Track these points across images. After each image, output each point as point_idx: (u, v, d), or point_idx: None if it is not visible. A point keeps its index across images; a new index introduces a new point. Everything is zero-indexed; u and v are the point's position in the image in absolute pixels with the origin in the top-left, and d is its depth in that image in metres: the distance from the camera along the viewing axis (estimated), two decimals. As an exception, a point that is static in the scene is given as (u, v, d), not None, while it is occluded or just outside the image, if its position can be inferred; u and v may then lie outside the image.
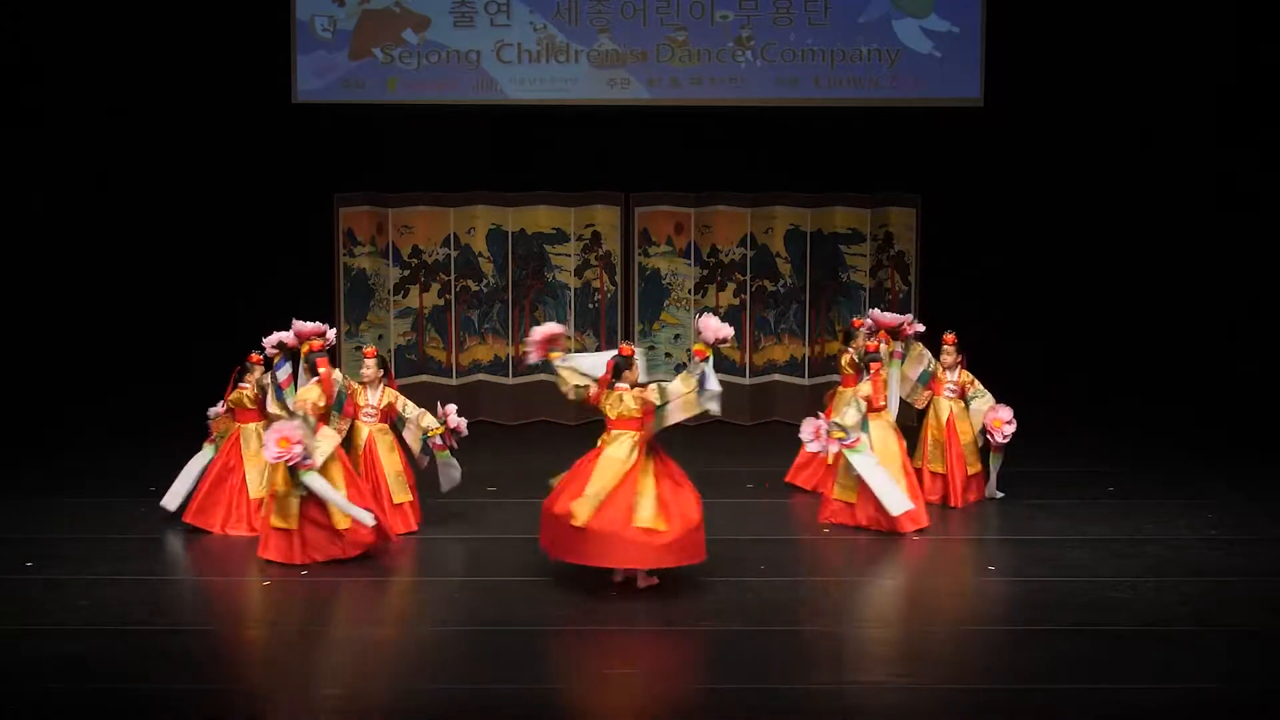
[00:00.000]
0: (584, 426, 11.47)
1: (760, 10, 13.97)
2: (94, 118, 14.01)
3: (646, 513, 9.00)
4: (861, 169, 14.14)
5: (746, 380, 13.92)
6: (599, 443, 9.27)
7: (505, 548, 10.04)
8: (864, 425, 10.47)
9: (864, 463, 10.35)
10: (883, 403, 10.69)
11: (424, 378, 13.89)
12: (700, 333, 9.24)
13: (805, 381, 13.86)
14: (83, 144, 14.02)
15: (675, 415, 9.10)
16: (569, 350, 9.90)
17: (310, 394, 9.74)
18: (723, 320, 13.88)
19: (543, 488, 9.44)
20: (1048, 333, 14.25)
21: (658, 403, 9.09)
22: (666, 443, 9.38)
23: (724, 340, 9.30)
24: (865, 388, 10.66)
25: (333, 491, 9.59)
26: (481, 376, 13.95)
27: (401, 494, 10.44)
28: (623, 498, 9.02)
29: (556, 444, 9.81)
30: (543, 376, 13.83)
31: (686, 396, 9.03)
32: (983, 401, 11.07)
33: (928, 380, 11.21)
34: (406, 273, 13.85)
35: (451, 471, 10.59)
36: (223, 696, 7.82)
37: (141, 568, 9.69)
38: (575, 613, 8.91)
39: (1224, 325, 14.30)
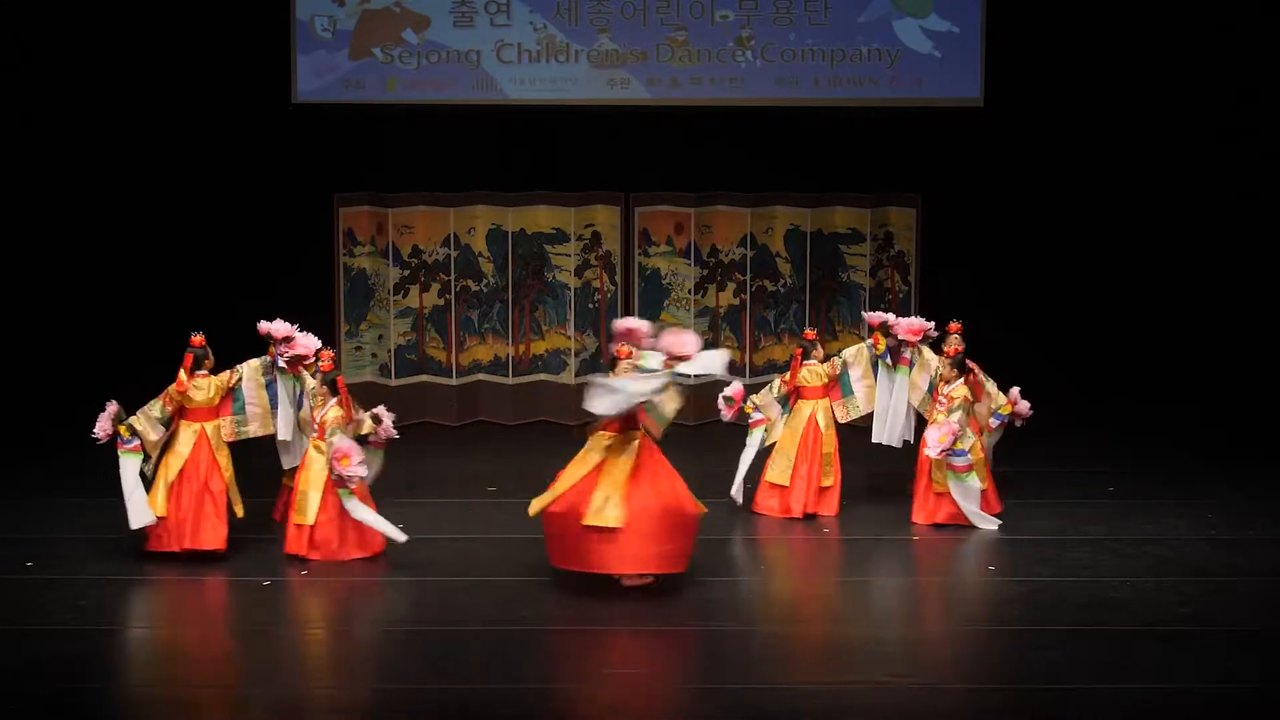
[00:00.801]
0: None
1: (760, 10, 13.97)
2: (94, 118, 14.00)
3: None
4: (861, 169, 14.14)
5: (746, 380, 13.90)
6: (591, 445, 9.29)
7: (505, 548, 10.04)
8: (785, 409, 10.98)
9: (749, 442, 11.03)
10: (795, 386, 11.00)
11: (424, 378, 13.88)
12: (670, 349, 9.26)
13: (805, 381, 13.85)
14: (83, 144, 14.02)
15: (670, 407, 9.21)
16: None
17: (170, 388, 9.91)
18: (722, 320, 14.02)
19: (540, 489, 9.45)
20: (1048, 332, 14.25)
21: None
22: (665, 439, 9.40)
23: (629, 332, 9.43)
24: (787, 374, 11.06)
25: (129, 482, 9.69)
26: (481, 376, 13.95)
27: (301, 516, 9.80)
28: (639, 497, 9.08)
29: (556, 444, 9.80)
30: (542, 376, 13.87)
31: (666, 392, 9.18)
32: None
33: (934, 389, 10.94)
34: (406, 273, 13.84)
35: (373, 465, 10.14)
36: (223, 696, 7.83)
37: (141, 568, 9.68)
38: (575, 613, 8.92)
39: (1224, 325, 14.30)
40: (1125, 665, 8.11)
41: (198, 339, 10.03)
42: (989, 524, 10.53)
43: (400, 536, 9.69)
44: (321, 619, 9.10)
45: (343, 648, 8.64)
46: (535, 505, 9.22)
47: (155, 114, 14.00)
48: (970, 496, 10.46)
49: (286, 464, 10.32)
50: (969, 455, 10.34)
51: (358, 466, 9.60)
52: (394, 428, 10.20)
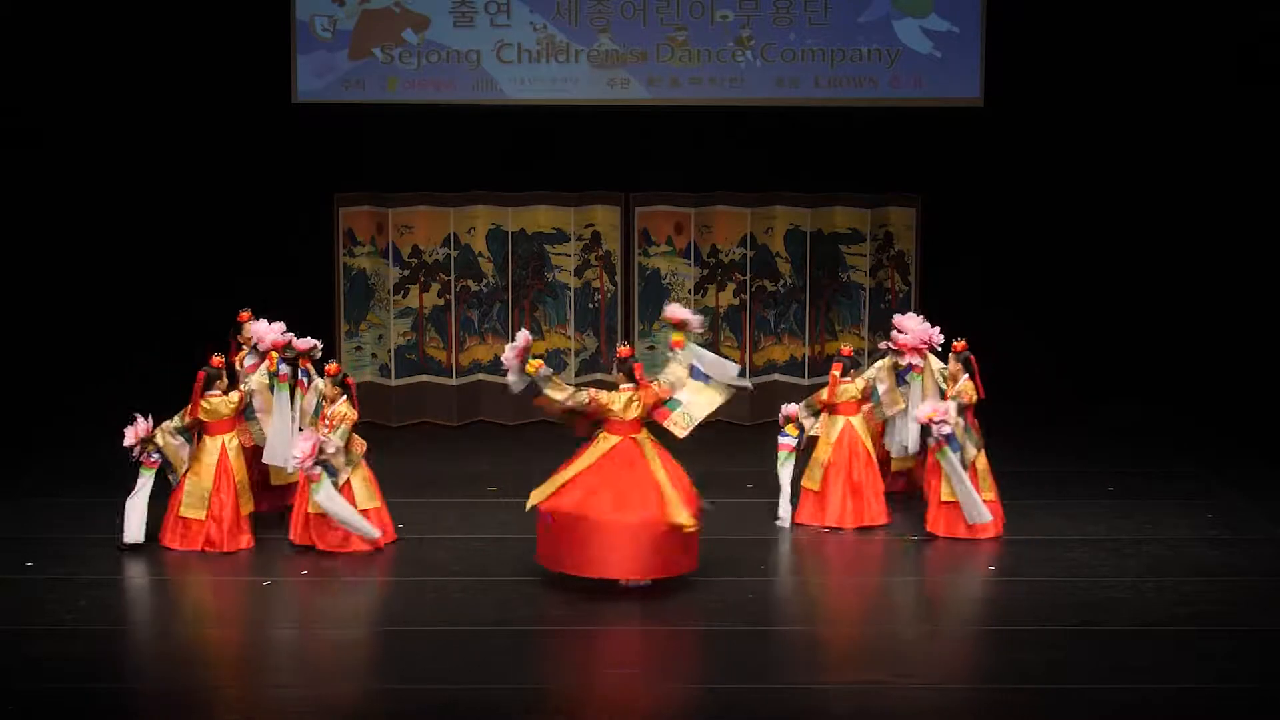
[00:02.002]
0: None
1: (760, 10, 13.97)
2: (94, 117, 13.99)
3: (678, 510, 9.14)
4: (861, 169, 14.13)
5: (747, 380, 13.90)
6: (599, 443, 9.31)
7: (505, 548, 10.04)
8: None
9: (782, 464, 10.86)
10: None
11: (424, 378, 13.88)
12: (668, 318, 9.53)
13: (805, 381, 13.84)
14: (82, 144, 14.01)
15: (701, 409, 9.37)
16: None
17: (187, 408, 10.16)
18: (722, 320, 14.01)
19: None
20: (1048, 332, 14.24)
21: (669, 397, 9.40)
22: (665, 438, 9.41)
23: (684, 323, 9.56)
24: (824, 391, 11.01)
25: (139, 499, 10.07)
26: (481, 376, 13.94)
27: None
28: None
29: (556, 444, 9.80)
30: (542, 376, 13.86)
31: (706, 389, 9.41)
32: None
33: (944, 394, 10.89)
34: (406, 273, 13.84)
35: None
36: (221, 697, 7.83)
37: (140, 568, 9.69)
38: (575, 613, 8.92)
39: (1225, 325, 14.29)
40: (1125, 665, 8.12)
41: (217, 360, 10.16)
42: (783, 518, 10.60)
43: (373, 533, 9.95)
44: (321, 619, 9.10)
45: (342, 648, 8.64)
46: (534, 497, 9.32)
47: (156, 114, 13.98)
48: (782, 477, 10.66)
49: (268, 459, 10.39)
50: (791, 439, 10.67)
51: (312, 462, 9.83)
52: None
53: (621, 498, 9.06)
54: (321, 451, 9.78)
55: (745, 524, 10.65)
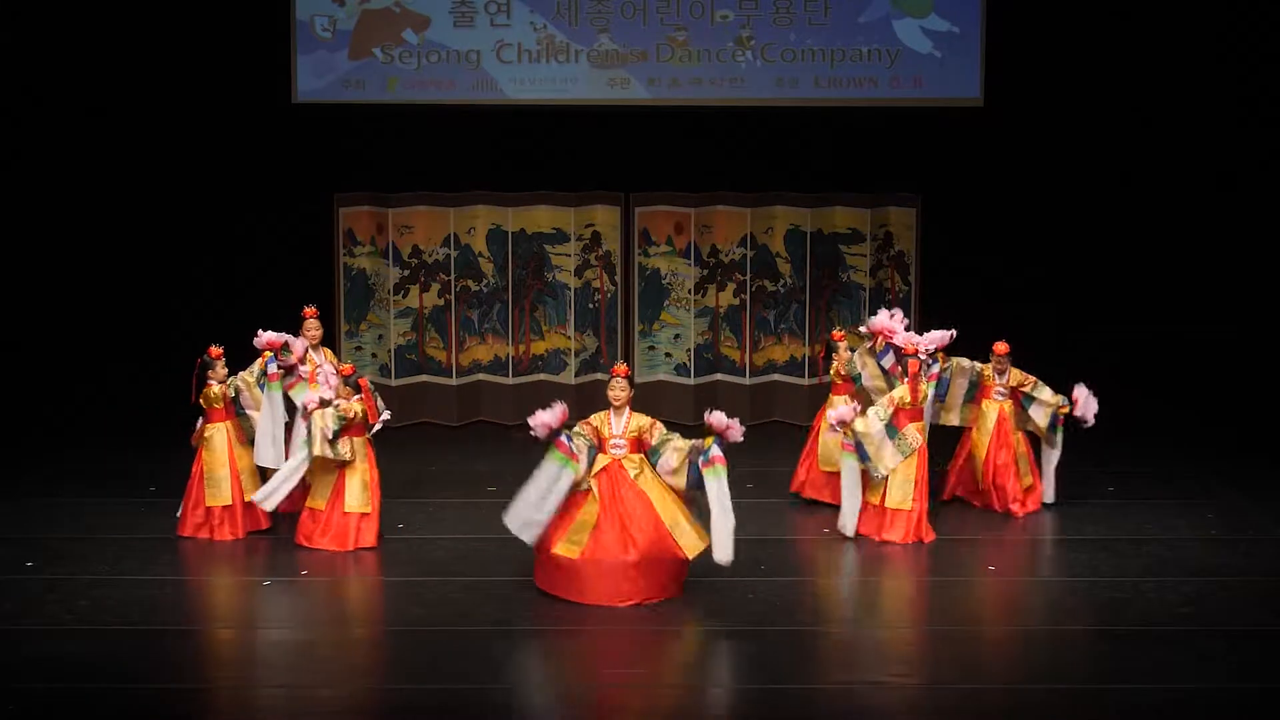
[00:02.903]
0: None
1: (760, 10, 13.97)
2: (94, 118, 14.01)
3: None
4: (861, 169, 14.14)
5: (746, 380, 13.91)
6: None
7: (505, 548, 10.03)
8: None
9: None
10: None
11: (424, 378, 13.88)
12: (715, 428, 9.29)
13: (805, 381, 13.85)
14: (82, 144, 14.02)
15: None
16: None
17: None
18: (722, 320, 14.01)
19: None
20: (1047, 332, 14.25)
21: (652, 444, 9.26)
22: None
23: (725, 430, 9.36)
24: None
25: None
26: (481, 376, 13.95)
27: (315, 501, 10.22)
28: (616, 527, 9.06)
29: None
30: (542, 376, 13.88)
31: (677, 476, 9.23)
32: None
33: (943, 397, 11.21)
34: (406, 273, 13.84)
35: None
36: (221, 697, 7.83)
37: (141, 568, 9.69)
38: (576, 613, 8.92)
39: (1225, 325, 14.31)
40: (1125, 665, 8.12)
41: (214, 350, 10.37)
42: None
43: (270, 505, 10.14)
44: (321, 619, 9.10)
45: (343, 648, 8.64)
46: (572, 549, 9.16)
47: (156, 114, 14.01)
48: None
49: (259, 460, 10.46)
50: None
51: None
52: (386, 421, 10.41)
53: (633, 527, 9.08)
54: (324, 402, 9.98)
55: (745, 524, 10.61)
